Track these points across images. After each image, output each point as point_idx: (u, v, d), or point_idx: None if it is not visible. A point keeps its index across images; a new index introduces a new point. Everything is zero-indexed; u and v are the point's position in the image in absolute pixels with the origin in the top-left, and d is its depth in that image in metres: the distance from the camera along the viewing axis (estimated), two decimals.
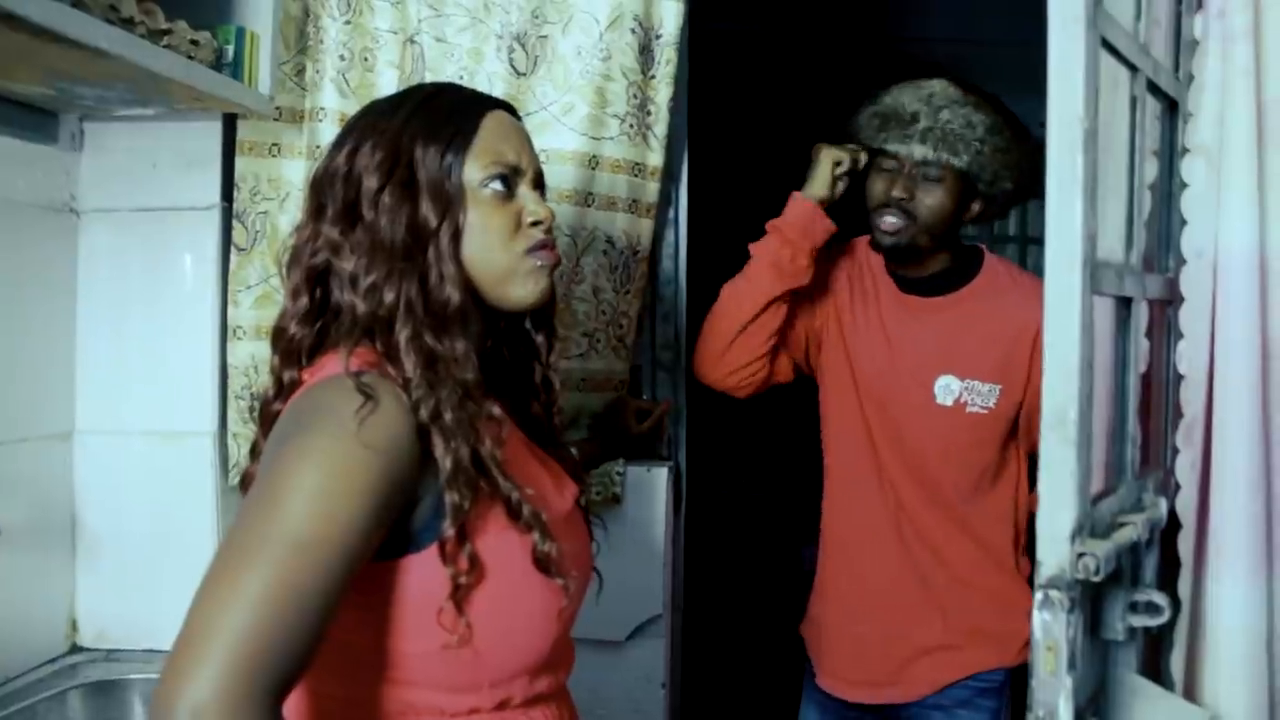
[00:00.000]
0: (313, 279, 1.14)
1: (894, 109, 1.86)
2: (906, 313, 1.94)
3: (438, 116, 1.16)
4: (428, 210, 1.12)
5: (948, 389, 1.89)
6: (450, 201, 1.13)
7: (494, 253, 1.15)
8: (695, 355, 2.00)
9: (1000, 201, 1.92)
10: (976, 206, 1.90)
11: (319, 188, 1.16)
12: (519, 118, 1.25)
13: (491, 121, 1.18)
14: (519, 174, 1.19)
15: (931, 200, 1.84)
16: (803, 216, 1.89)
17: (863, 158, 1.89)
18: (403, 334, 1.08)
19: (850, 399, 1.98)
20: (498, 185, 1.16)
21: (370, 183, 1.12)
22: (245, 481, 1.18)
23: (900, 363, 1.92)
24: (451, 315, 1.11)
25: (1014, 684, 1.97)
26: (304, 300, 1.14)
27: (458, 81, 1.86)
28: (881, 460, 1.95)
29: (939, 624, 1.94)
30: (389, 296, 1.10)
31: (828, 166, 1.87)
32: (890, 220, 1.86)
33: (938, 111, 1.83)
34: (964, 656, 1.94)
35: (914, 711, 1.98)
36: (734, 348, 1.94)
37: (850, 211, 1.93)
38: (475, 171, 1.15)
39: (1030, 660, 1.15)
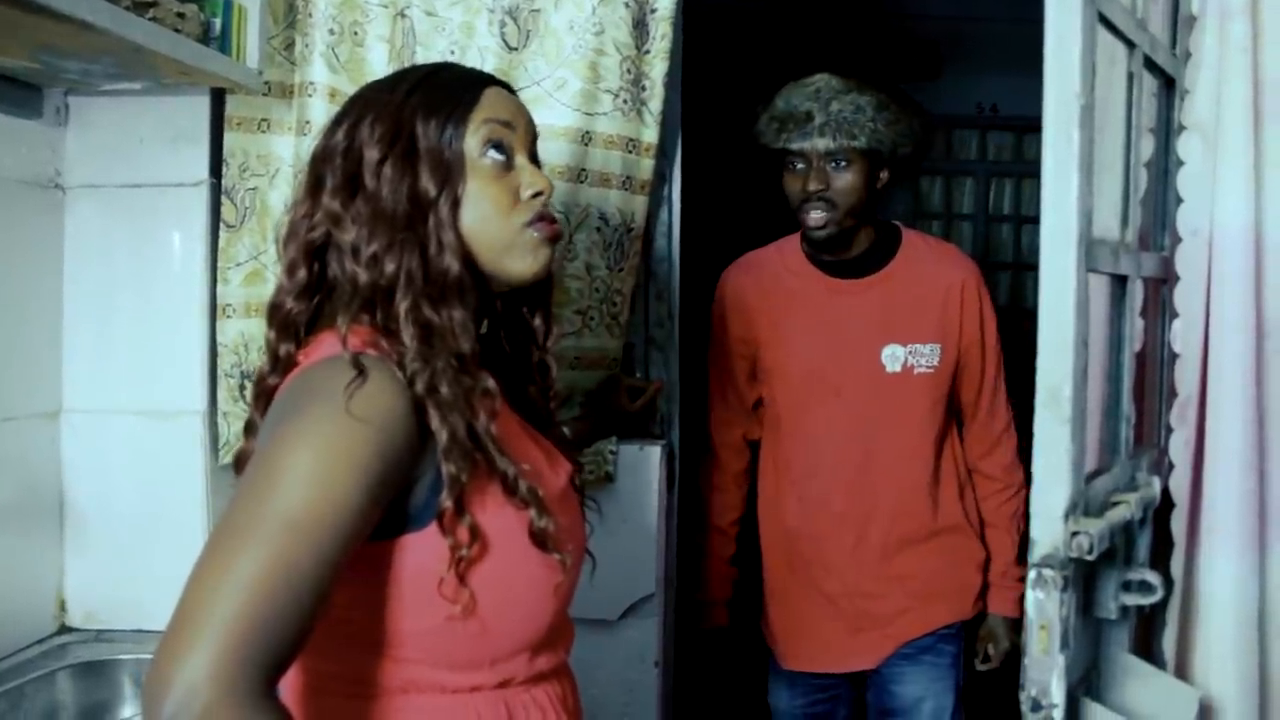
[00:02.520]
0: (310, 253, 1.15)
1: (788, 111, 2.02)
2: (840, 297, 2.07)
3: (439, 91, 1.17)
4: (428, 180, 1.13)
5: (894, 356, 2.02)
6: (450, 171, 1.14)
7: (492, 223, 1.16)
8: None
9: (907, 164, 2.07)
10: (885, 175, 2.04)
11: (317, 164, 1.17)
12: (516, 96, 1.25)
13: (491, 95, 1.20)
14: (516, 144, 1.20)
15: (843, 185, 1.99)
16: None
17: None
18: (402, 305, 1.09)
19: (799, 395, 2.09)
20: (495, 154, 1.17)
21: (372, 154, 1.13)
22: (240, 459, 1.18)
23: (845, 344, 2.04)
24: (450, 285, 1.12)
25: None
26: (301, 274, 1.15)
27: (449, 57, 1.86)
28: (837, 443, 2.06)
29: (897, 591, 2.07)
30: (390, 266, 1.10)
31: None
32: (815, 215, 1.99)
33: (828, 104, 1.98)
34: (921, 615, 2.08)
35: (880, 669, 2.11)
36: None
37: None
38: (474, 141, 1.16)
39: (1023, 638, 1.16)
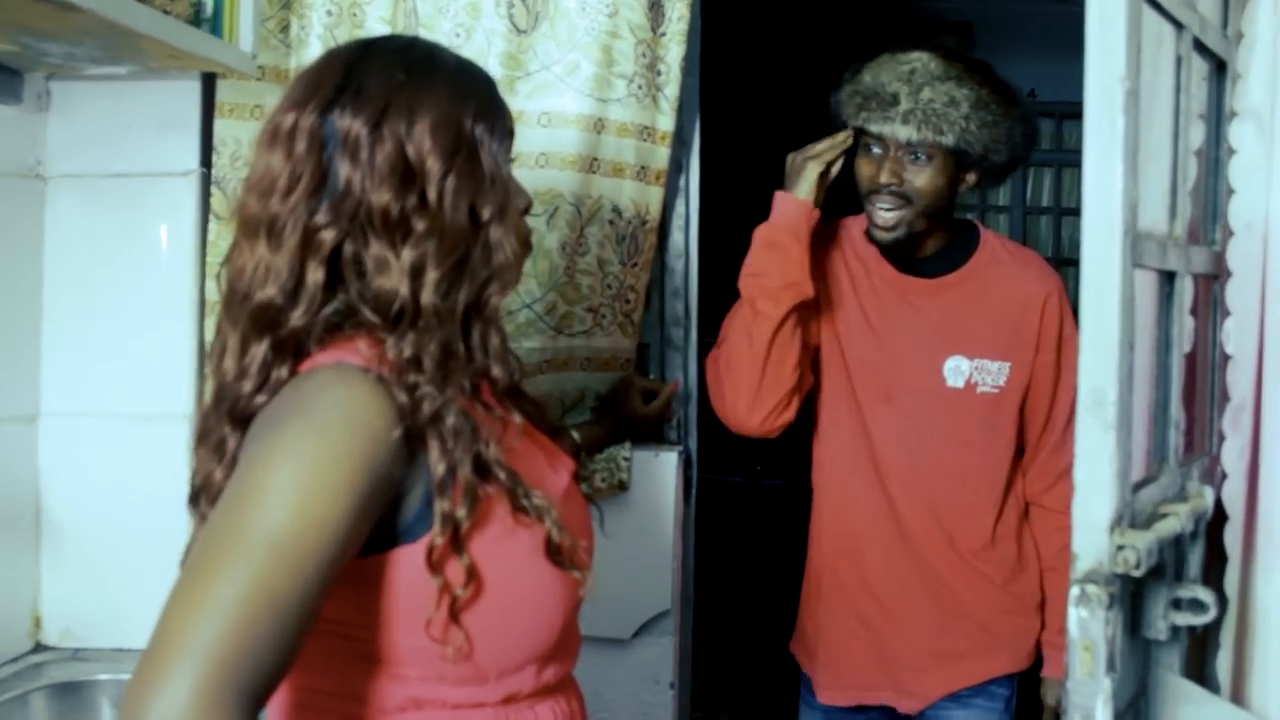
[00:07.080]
0: (327, 256, 1.07)
1: (874, 88, 1.87)
2: (907, 296, 1.98)
3: (489, 96, 1.15)
4: (487, 201, 1.11)
5: (958, 370, 1.94)
6: (506, 193, 1.13)
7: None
8: (721, 411, 1.95)
9: (998, 171, 1.97)
10: (972, 178, 1.94)
11: (319, 147, 1.08)
12: None
13: (507, 108, 1.20)
14: None
15: (922, 182, 1.87)
16: (795, 216, 1.88)
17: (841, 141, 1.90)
18: (433, 328, 1.06)
19: (846, 393, 2.00)
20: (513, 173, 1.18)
21: (435, 167, 1.07)
22: (202, 492, 1.11)
23: (904, 349, 1.96)
24: (492, 310, 1.12)
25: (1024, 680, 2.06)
26: (311, 280, 1.07)
27: (454, 40, 1.86)
28: (882, 454, 1.97)
29: (948, 627, 1.97)
30: (458, 293, 1.08)
31: (814, 175, 1.87)
32: (884, 213, 1.88)
33: (919, 90, 1.84)
34: (974, 665, 1.98)
35: (925, 712, 2.02)
36: (763, 391, 1.89)
37: (840, 187, 1.94)
38: (506, 159, 1.16)
39: (1066, 660, 1.15)
